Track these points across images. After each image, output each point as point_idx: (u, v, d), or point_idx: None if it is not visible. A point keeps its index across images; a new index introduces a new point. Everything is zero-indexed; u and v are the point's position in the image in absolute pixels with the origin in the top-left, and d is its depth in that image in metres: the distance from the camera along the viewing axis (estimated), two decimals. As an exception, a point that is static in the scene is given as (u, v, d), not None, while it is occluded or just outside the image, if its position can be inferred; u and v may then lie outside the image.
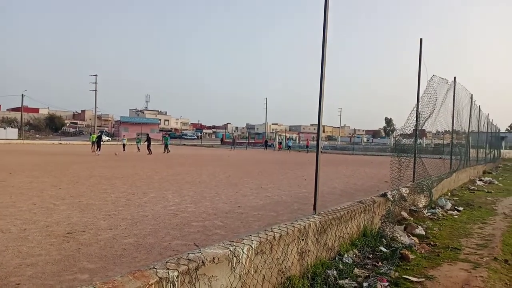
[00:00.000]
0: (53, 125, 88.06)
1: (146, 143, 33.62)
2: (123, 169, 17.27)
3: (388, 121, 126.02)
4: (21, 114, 73.45)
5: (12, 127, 74.94)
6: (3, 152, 29.27)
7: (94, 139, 33.32)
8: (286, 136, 69.57)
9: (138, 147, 37.25)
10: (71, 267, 4.42)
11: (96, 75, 70.69)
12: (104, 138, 46.88)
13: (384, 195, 6.97)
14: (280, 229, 3.88)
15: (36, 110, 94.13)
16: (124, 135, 43.67)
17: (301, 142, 70.82)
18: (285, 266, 3.82)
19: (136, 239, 5.68)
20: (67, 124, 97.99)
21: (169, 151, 35.10)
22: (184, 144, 66.19)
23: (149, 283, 2.43)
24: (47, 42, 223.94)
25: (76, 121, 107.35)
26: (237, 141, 72.77)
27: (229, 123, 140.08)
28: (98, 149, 30.53)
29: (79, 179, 13.02)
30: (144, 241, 5.58)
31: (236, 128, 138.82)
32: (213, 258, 2.98)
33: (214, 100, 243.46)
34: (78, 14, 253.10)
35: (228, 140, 67.80)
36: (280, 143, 57.47)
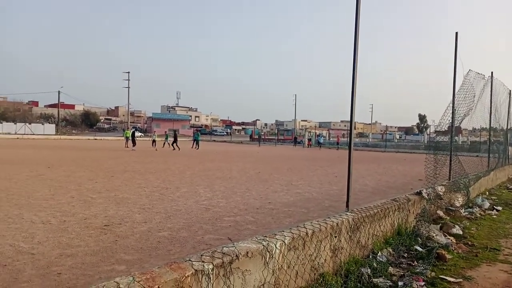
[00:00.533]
0: (88, 121, 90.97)
1: (171, 139, 34.27)
2: (156, 165, 17.64)
3: (422, 118, 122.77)
4: (58, 110, 76.16)
5: (49, 123, 77.91)
6: (42, 147, 30.53)
7: (128, 135, 34.22)
8: (315, 133, 69.03)
9: (166, 143, 37.93)
10: (108, 258, 4.58)
11: (128, 73, 72.42)
12: (137, 134, 47.92)
13: (419, 193, 6.81)
14: (312, 226, 3.87)
15: (72, 107, 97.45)
16: (154, 131, 44.47)
17: (331, 139, 70.10)
18: (318, 263, 3.81)
19: (170, 232, 5.80)
20: (102, 120, 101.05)
21: (198, 147, 35.56)
22: (214, 140, 66.87)
23: (185, 275, 2.48)
24: (83, 40, 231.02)
25: (110, 117, 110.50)
26: (266, 137, 72.85)
27: (258, 120, 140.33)
28: (133, 145, 31.28)
29: (114, 173, 13.41)
30: (178, 234, 5.70)
31: (265, 124, 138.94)
32: (247, 252, 3.01)
33: (243, 97, 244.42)
34: (113, 13, 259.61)
35: (256, 137, 67.94)
36: (309, 139, 57.02)
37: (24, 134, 59.35)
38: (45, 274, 4.03)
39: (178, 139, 35.34)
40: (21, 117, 76.53)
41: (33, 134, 60.30)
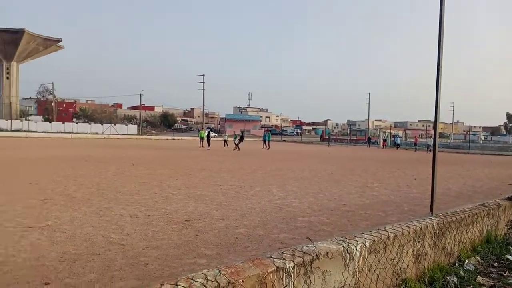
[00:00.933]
0: (166, 122, 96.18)
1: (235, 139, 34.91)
2: (229, 164, 18.14)
3: (510, 117, 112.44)
4: (140, 112, 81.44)
5: (132, 123, 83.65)
6: (126, 146, 32.84)
7: (203, 136, 35.80)
8: (391, 133, 66.21)
9: (235, 143, 38.73)
10: (190, 252, 4.81)
11: (203, 75, 75.23)
12: (211, 134, 49.61)
13: (511, 199, 6.26)
14: (394, 229, 3.74)
15: (152, 108, 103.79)
16: (226, 132, 45.71)
17: (408, 140, 66.82)
18: (400, 268, 3.67)
19: (246, 229, 5.94)
20: (179, 121, 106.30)
21: (269, 148, 35.90)
22: (284, 141, 67.07)
23: (268, 271, 2.53)
24: (164, 47, 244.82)
25: (186, 118, 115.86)
26: (337, 138, 71.42)
27: (329, 120, 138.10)
28: (208, 145, 32.49)
29: (192, 171, 14.04)
30: (254, 232, 5.82)
31: (336, 124, 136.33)
32: (327, 253, 2.99)
33: (314, 97, 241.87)
34: (193, 19, 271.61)
35: (327, 137, 66.89)
36: (384, 140, 54.82)
37: (110, 134, 64.27)
38: (134, 263, 4.34)
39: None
40: (107, 119, 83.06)
41: (118, 134, 65.07)
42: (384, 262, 3.48)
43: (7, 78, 71.87)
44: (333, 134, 76.55)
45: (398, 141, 52.61)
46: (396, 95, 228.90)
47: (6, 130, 57.74)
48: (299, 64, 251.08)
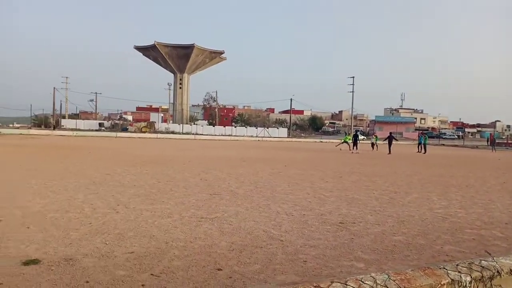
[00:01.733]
0: (314, 125, 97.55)
1: (384, 141, 32.91)
2: (381, 168, 17.40)
3: None
4: (290, 116, 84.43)
5: (282, 127, 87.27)
6: (278, 148, 34.38)
7: (348, 140, 35.18)
8: None
9: (376, 145, 36.83)
10: (347, 254, 4.78)
11: (353, 77, 73.89)
12: (360, 137, 48.33)
13: None
14: None
15: (301, 112, 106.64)
16: (374, 134, 43.78)
17: None
18: None
19: (405, 237, 5.61)
20: (327, 124, 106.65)
21: (425, 151, 33.16)
22: (443, 144, 61.05)
23: (441, 283, 2.35)
24: (312, 50, 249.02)
25: (334, 121, 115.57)
26: (509, 142, 61.71)
27: (498, 121, 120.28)
28: (355, 147, 31.80)
29: (342, 174, 13.92)
30: (413, 240, 5.46)
31: (507, 127, 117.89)
32: (510, 270, 2.62)
33: (478, 96, 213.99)
34: (345, 20, 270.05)
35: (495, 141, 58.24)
36: None
37: (263, 137, 68.24)
38: (293, 260, 4.52)
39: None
40: (261, 122, 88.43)
41: (270, 137, 68.64)
42: None
43: (180, 88, 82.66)
44: (504, 137, 66.40)
45: None
46: None
47: (179, 133, 66.44)
48: (459, 59, 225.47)
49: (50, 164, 13.92)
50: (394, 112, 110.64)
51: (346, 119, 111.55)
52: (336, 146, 33.91)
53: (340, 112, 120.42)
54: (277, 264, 4.34)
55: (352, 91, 73.74)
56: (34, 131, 51.99)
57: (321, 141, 61.50)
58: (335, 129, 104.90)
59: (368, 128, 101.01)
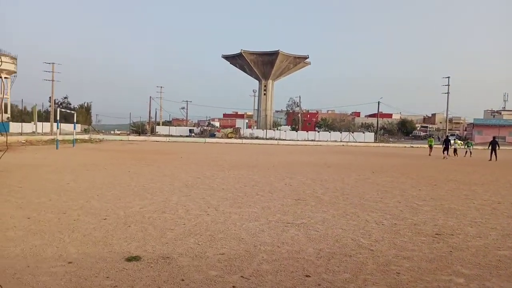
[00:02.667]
0: (404, 129, 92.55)
1: (489, 147, 29.78)
2: (479, 176, 15.96)
3: None
4: (377, 120, 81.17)
5: (369, 131, 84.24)
6: (364, 154, 33.25)
7: (432, 143, 33.86)
8: None
9: (469, 151, 33.57)
10: (445, 268, 4.46)
11: (448, 77, 68.88)
12: (457, 142, 44.52)
13: None
14: None
15: (389, 116, 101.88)
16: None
17: None
18: None
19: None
20: (418, 128, 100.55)
21: None
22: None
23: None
24: (402, 52, 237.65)
25: (426, 125, 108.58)
26: None
27: None
28: (446, 152, 29.57)
29: (437, 182, 13.03)
30: (524, 257, 4.92)
31: None
32: None
33: None
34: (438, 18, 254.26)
35: None
36: None
37: (348, 142, 66.59)
38: (384, 270, 4.34)
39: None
40: (345, 127, 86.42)
41: (355, 142, 66.71)
42: None
43: (264, 94, 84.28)
44: None
45: None
46: None
47: (262, 138, 67.62)
48: None
49: (147, 168, 15.07)
50: (496, 114, 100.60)
51: (440, 122, 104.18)
52: (430, 155, 31.81)
53: (433, 115, 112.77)
54: (368, 274, 4.21)
55: (447, 92, 68.82)
56: (132, 137, 56.75)
57: (412, 146, 58.20)
58: (428, 133, 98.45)
59: (465, 132, 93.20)
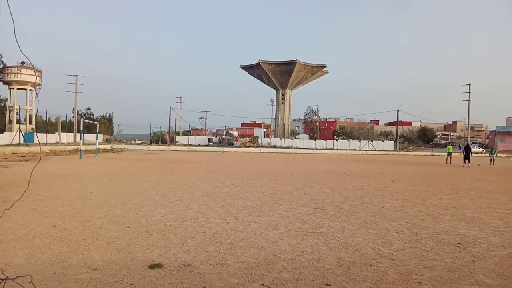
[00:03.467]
0: (424, 137, 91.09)
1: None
2: (503, 184, 15.59)
3: None
4: (397, 128, 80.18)
5: (388, 139, 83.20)
6: (383, 162, 32.84)
7: (450, 151, 33.41)
8: None
9: (493, 160, 32.80)
10: (467, 277, 4.38)
11: (469, 85, 67.59)
12: (478, 149, 43.71)
13: None
14: None
15: (409, 124, 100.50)
16: (493, 147, 39.07)
17: None
18: None
19: (538, 263, 4.95)
20: (438, 136, 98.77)
21: None
22: None
23: None
24: (421, 58, 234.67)
25: (447, 133, 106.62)
26: None
27: None
28: (468, 161, 28.96)
29: (458, 191, 12.78)
30: (550, 268, 4.79)
31: None
32: None
33: None
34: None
35: None
36: None
37: (367, 150, 65.86)
38: (406, 280, 4.29)
39: None
40: (364, 135, 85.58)
41: (374, 150, 65.98)
42: None
43: (282, 103, 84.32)
44: None
45: None
46: None
47: (280, 147, 67.58)
48: None
49: (167, 177, 15.26)
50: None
51: (461, 130, 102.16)
52: (449, 163, 31.20)
53: (455, 122, 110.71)
54: (389, 284, 4.17)
55: (469, 100, 67.35)
56: (153, 146, 57.57)
57: (432, 154, 57.15)
58: (449, 141, 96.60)
59: (487, 140, 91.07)
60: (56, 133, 53.40)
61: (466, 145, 34.85)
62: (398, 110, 74.35)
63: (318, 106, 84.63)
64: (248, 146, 65.73)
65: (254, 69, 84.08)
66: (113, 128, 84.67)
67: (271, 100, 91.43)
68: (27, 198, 8.75)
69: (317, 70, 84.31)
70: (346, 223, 7.22)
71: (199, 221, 7.11)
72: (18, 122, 61.24)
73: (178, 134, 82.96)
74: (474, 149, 55.09)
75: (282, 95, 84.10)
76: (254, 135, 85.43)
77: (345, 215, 8.02)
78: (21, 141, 42.76)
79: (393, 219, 7.68)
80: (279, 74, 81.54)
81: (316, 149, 65.82)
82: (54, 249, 5.17)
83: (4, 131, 52.74)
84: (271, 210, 8.47)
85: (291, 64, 79.54)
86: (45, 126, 61.62)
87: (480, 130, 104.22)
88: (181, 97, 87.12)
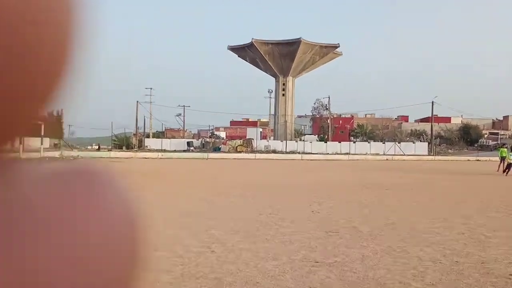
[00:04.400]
0: (468, 137, 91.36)
1: None
2: None
3: None
4: (431, 125, 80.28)
5: (421, 141, 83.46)
6: (415, 171, 33.02)
7: (504, 155, 31.55)
8: None
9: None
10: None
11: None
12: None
13: None
14: None
15: (447, 120, 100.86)
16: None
17: None
18: None
19: None
20: (485, 136, 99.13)
21: None
22: None
23: None
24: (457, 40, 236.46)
25: (496, 131, 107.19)
26: None
27: None
28: (508, 169, 29.10)
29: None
30: None
31: None
32: None
33: None
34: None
35: None
36: None
37: (393, 154, 66.07)
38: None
39: None
40: (389, 135, 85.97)
41: (403, 155, 66.18)
42: None
43: (283, 95, 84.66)
44: None
45: None
46: None
47: (281, 152, 67.77)
48: None
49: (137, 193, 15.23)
50: None
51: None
52: (498, 172, 31.22)
53: (506, 117, 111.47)
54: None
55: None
56: (114, 153, 57.41)
57: (478, 160, 57.48)
58: (499, 142, 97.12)
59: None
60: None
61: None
62: (432, 102, 74.78)
63: (329, 98, 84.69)
64: (240, 151, 65.94)
65: (246, 51, 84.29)
66: (63, 130, 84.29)
67: (268, 91, 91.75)
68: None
69: (327, 51, 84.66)
70: (366, 250, 7.26)
71: (175, 250, 7.11)
72: None
73: (148, 136, 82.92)
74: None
75: (283, 84, 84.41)
76: (247, 137, 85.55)
77: (365, 240, 8.07)
78: None
79: (428, 244, 7.74)
80: (279, 57, 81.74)
81: (328, 154, 66.11)
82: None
83: None
84: (269, 234, 8.50)
85: (294, 44, 79.75)
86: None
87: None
88: (151, 89, 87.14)
